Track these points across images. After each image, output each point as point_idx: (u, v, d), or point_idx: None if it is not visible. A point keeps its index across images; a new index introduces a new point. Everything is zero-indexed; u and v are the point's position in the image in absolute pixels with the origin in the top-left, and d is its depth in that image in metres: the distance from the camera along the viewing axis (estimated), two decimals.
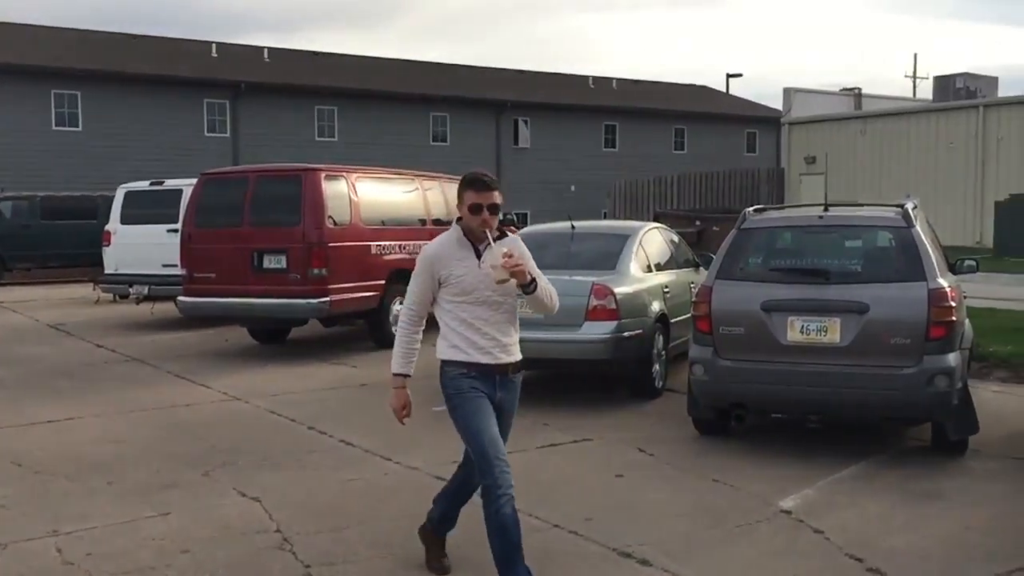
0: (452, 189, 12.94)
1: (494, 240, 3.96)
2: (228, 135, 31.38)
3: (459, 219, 4.07)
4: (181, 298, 11.19)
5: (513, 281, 3.87)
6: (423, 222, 11.96)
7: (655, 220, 15.06)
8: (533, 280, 3.97)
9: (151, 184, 14.71)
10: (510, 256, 3.82)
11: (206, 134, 31.05)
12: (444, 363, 4.07)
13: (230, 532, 5.00)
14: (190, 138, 30.20)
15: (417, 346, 4.14)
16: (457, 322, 4.01)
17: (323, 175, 10.65)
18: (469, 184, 4.00)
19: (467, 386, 4.00)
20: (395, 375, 4.12)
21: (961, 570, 4.47)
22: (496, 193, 4.00)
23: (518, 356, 4.12)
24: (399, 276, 11.29)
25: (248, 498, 5.56)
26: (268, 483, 5.84)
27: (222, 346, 11.72)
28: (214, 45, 35.23)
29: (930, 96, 35.70)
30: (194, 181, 11.81)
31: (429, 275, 4.05)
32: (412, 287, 4.12)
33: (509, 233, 4.15)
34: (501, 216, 4.04)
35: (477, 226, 3.98)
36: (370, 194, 11.27)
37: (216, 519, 5.20)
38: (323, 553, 4.68)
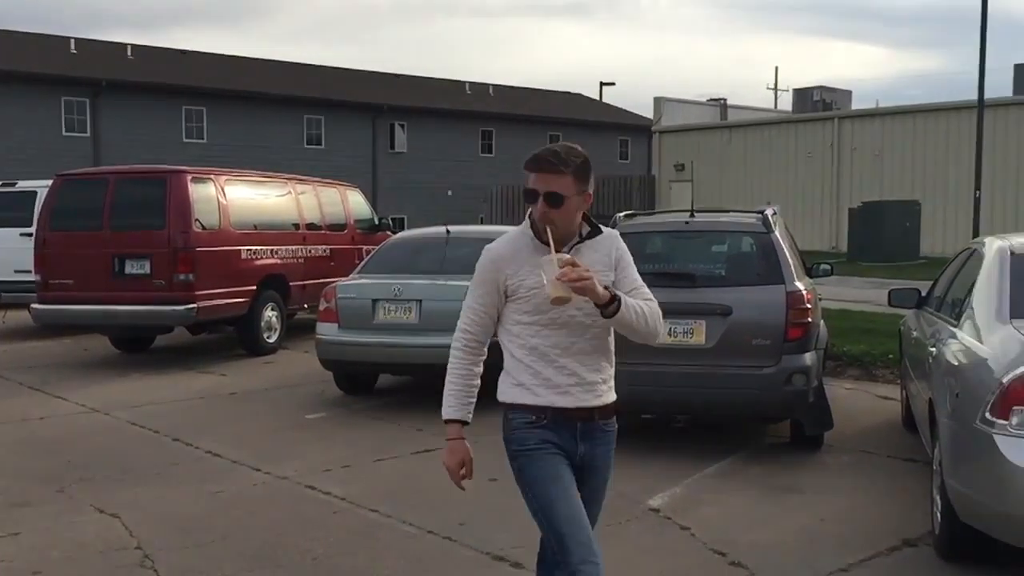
0: (326, 193, 13.01)
1: (559, 244, 2.86)
2: (88, 135, 29.96)
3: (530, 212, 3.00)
4: (35, 306, 10.69)
5: (578, 299, 2.78)
6: (296, 226, 11.72)
7: None
8: (614, 298, 2.82)
9: (2, 185, 14.01)
10: (574, 265, 2.73)
11: (64, 134, 29.56)
12: (506, 408, 3.01)
13: (87, 551, 4.77)
14: (47, 138, 28.69)
15: (477, 382, 3.04)
16: (525, 351, 2.95)
17: (190, 177, 10.32)
18: (525, 163, 2.91)
19: (535, 440, 2.93)
20: (448, 422, 3.01)
21: (816, 561, 4.68)
22: (559, 178, 2.83)
23: (609, 398, 3.04)
24: (271, 282, 11.10)
25: (106, 514, 5.32)
26: (128, 498, 5.60)
27: (81, 356, 11.19)
28: (73, 40, 33.55)
29: (790, 107, 37.46)
30: (50, 183, 11.30)
31: (493, 284, 2.99)
32: (469, 301, 3.07)
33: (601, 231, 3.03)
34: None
35: (537, 220, 2.92)
36: (240, 197, 10.99)
37: (71, 537, 4.95)
38: (187, 569, 4.52)
